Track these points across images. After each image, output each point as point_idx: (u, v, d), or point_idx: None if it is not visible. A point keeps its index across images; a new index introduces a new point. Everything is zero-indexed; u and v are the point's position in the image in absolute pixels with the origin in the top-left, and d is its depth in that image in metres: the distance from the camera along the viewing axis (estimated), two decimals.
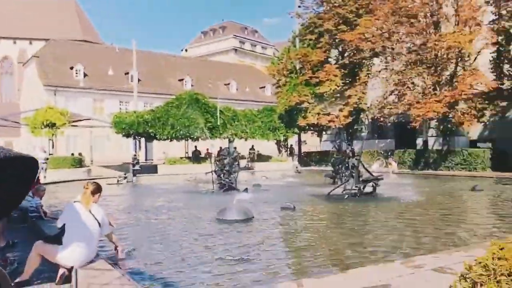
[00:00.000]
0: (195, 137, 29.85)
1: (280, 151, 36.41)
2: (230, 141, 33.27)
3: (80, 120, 31.72)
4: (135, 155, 29.42)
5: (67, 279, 4.29)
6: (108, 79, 47.60)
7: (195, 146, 32.60)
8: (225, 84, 57.72)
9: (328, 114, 28.59)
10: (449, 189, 15.86)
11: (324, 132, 35.27)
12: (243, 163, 28.12)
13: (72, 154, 31.46)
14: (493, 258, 2.50)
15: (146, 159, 42.59)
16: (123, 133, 29.47)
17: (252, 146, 34.79)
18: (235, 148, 28.27)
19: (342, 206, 11.36)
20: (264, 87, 60.13)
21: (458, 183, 17.84)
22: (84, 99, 44.42)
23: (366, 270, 4.76)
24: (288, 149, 37.29)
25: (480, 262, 2.54)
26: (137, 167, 25.93)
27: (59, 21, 57.92)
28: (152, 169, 28.91)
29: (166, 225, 8.85)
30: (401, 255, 5.78)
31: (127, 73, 48.10)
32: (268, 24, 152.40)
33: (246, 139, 32.76)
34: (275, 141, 35.25)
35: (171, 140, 30.22)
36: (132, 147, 32.98)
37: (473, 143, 26.46)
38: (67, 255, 4.49)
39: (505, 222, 8.71)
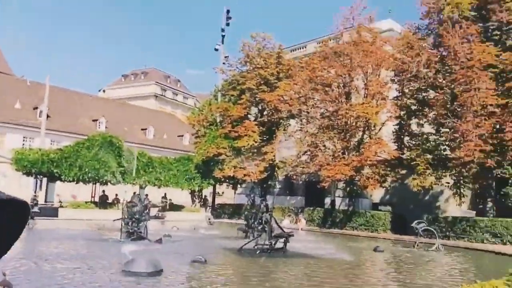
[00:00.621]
0: (104, 181, 28.42)
1: (193, 201, 35.85)
2: (141, 188, 32.14)
3: None
4: (34, 195, 27.10)
5: None
6: (14, 112, 44.21)
7: (103, 191, 30.96)
8: (142, 129, 56.45)
9: (245, 168, 29.05)
10: (353, 248, 16.60)
11: (239, 185, 35.56)
12: (153, 211, 27.19)
13: None
14: None
15: (46, 201, 39.26)
16: (24, 171, 27.20)
17: (165, 194, 33.89)
18: (146, 195, 27.34)
19: (253, 261, 11.36)
20: (183, 135, 59.80)
21: (362, 243, 18.80)
22: None
23: None
24: (202, 200, 36.87)
25: None
26: (35, 209, 23.78)
27: None
28: (52, 212, 26.69)
29: (65, 275, 8.13)
30: None
31: (36, 108, 45.16)
32: (191, 75, 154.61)
33: (159, 187, 31.90)
34: (190, 190, 34.74)
35: (77, 183, 28.43)
36: (32, 187, 30.41)
37: (375, 206, 28.33)
38: None
39: (404, 283, 9.28)
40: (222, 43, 40.30)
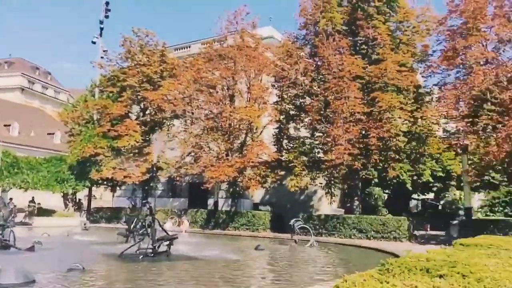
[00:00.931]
0: None
1: (66, 205, 33.19)
2: (4, 191, 28.81)
3: None
4: None
5: None
6: None
7: None
8: (5, 125, 50.52)
9: (125, 169, 27.77)
10: (236, 248, 17.00)
11: (118, 188, 33.88)
12: (19, 217, 24.60)
13: None
14: None
15: None
16: None
17: (33, 198, 30.82)
18: (10, 199, 24.59)
19: (136, 266, 10.96)
20: (54, 133, 55.03)
21: (244, 242, 19.36)
22: None
23: None
24: (76, 204, 34.33)
25: None
26: None
27: None
28: None
29: None
30: None
31: None
32: (64, 68, 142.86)
33: (26, 190, 28.89)
34: (62, 194, 32.11)
35: None
36: None
37: (255, 206, 29.39)
38: None
39: (287, 279, 9.82)
40: (101, 36, 38.19)
